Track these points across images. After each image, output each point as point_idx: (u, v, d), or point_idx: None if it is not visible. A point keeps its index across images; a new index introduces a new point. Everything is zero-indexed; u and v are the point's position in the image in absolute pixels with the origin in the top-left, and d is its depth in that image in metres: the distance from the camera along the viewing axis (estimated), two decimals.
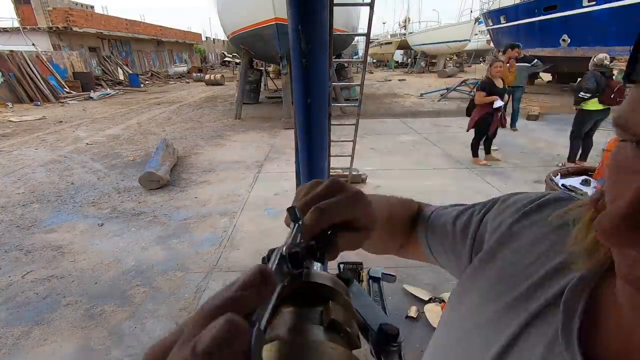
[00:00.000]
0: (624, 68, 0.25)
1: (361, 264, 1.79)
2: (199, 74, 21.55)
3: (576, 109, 5.04)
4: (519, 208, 0.44)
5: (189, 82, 23.74)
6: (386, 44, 36.85)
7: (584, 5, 10.31)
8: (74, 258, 3.20)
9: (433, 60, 29.52)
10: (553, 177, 1.78)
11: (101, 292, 2.72)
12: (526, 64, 7.32)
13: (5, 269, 3.05)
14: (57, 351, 2.18)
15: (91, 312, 2.51)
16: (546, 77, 17.52)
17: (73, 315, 2.48)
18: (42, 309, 2.54)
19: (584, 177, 1.74)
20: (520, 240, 0.41)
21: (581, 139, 5.14)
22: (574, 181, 1.72)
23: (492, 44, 20.25)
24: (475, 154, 5.52)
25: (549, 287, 0.36)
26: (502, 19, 14.95)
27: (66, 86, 16.22)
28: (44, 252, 3.30)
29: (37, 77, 14.32)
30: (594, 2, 10.02)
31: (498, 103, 5.01)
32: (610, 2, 9.54)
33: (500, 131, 5.45)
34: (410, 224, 0.59)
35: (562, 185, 1.68)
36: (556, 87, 15.30)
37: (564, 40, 11.36)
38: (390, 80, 21.24)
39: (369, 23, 3.35)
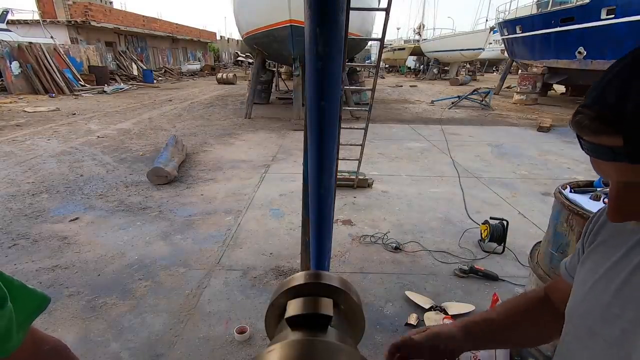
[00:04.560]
0: None
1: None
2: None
3: None
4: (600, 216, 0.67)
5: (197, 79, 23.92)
6: (399, 49, 36.80)
7: (601, 18, 10.18)
8: (79, 249, 3.23)
9: (446, 68, 29.41)
10: (562, 190, 1.74)
11: (104, 284, 2.74)
12: None
13: (12, 257, 3.09)
14: None
15: (93, 303, 2.52)
16: (559, 89, 17.35)
17: (75, 306, 2.50)
18: None
19: (593, 192, 1.71)
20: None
21: None
22: (583, 197, 1.69)
23: (506, 54, 20.11)
24: None
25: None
26: (517, 29, 14.85)
27: (81, 79, 16.48)
28: (49, 242, 3.34)
29: (53, 69, 14.56)
30: (613, 15, 9.89)
31: None
32: (629, 15, 9.42)
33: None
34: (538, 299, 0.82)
35: (569, 200, 1.65)
36: (569, 100, 15.14)
37: (579, 52, 11.23)
38: (401, 86, 21.20)
39: (383, 28, 3.35)
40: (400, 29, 69.71)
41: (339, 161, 3.18)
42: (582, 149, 0.49)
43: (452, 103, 12.74)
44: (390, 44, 41.45)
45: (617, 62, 0.46)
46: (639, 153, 0.43)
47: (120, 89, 16.79)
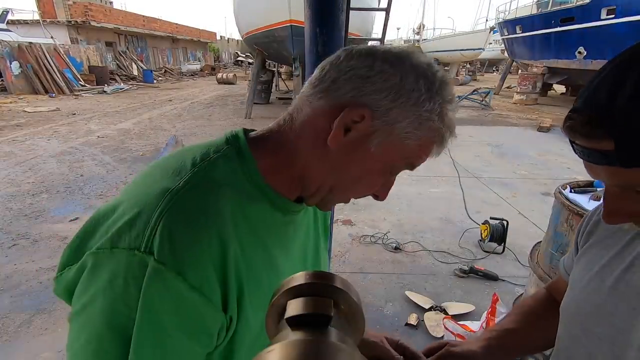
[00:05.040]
0: None
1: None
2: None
3: None
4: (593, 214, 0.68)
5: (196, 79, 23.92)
6: None
7: (602, 18, 10.18)
8: None
9: (446, 68, 29.40)
10: (562, 190, 1.75)
11: None
12: None
13: (12, 256, 3.09)
14: (56, 341, 2.20)
15: None
16: (559, 89, 17.36)
17: None
18: (45, 299, 2.56)
19: (593, 192, 1.71)
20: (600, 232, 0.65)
21: None
22: (584, 197, 1.69)
23: (506, 54, 20.12)
24: None
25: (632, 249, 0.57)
26: (517, 29, 14.85)
27: (81, 79, 16.48)
28: (49, 242, 3.34)
29: (53, 70, 14.56)
30: (613, 15, 9.89)
31: None
32: (629, 15, 9.41)
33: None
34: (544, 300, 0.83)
35: (569, 200, 1.65)
36: (569, 100, 15.15)
37: (579, 52, 11.23)
38: None
39: (383, 28, 3.35)
40: (400, 29, 69.83)
41: None
42: (575, 153, 0.49)
43: None
44: (390, 44, 41.49)
45: (609, 63, 0.45)
46: (631, 157, 0.42)
47: (120, 89, 16.79)
